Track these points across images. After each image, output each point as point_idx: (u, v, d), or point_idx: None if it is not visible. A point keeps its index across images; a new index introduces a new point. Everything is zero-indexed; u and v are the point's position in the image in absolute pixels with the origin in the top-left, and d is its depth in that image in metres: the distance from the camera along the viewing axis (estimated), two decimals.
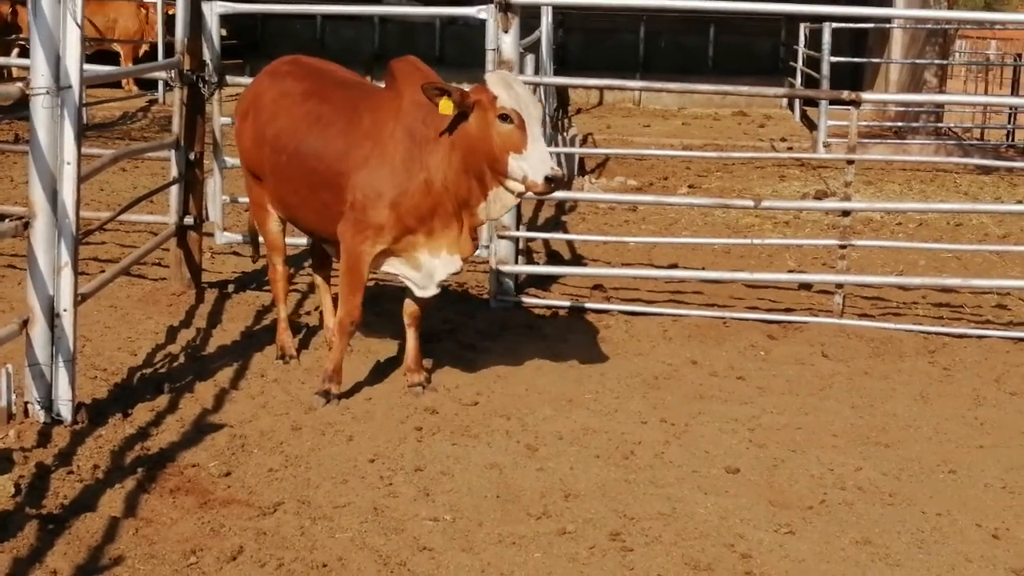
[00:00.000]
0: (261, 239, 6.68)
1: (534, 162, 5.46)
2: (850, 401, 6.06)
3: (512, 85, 5.60)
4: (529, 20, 11.95)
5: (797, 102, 19.38)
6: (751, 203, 7.97)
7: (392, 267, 5.92)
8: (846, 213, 7.40)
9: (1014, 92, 20.39)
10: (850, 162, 7.32)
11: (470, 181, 5.65)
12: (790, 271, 8.97)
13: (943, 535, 4.49)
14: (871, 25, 18.33)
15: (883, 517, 4.62)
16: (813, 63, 17.49)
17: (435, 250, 5.83)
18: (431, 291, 5.95)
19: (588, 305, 7.52)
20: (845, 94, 7.14)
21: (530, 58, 8.06)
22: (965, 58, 33.05)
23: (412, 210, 5.70)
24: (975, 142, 18.15)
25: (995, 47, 43.00)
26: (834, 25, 16.27)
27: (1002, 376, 6.52)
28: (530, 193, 5.62)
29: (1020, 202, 12.80)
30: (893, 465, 5.19)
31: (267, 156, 6.13)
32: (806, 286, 8.35)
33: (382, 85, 6.16)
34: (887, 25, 18.01)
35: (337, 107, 5.98)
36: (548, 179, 5.46)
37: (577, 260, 9.18)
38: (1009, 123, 19.12)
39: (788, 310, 7.90)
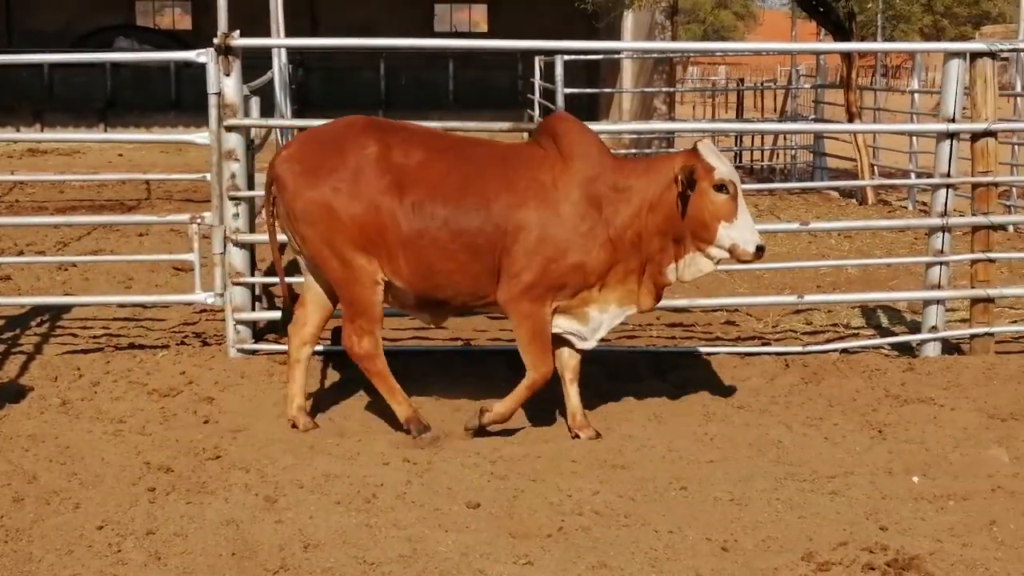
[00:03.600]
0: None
1: (745, 232, 5.68)
2: None
3: (719, 155, 5.74)
4: (266, 61, 11.84)
5: None
6: None
7: (556, 322, 5.90)
8: None
9: (739, 116, 21.45)
10: None
11: (666, 243, 5.78)
12: None
13: (675, 552, 4.61)
14: (602, 56, 18.94)
15: (618, 539, 4.71)
16: (550, 95, 17.93)
17: (605, 304, 5.91)
18: (591, 344, 6.03)
19: (330, 348, 7.44)
20: None
21: (255, 100, 7.93)
22: (697, 84, 34.50)
23: (595, 268, 5.75)
24: None
25: (724, 72, 45.23)
26: (566, 58, 16.72)
27: (728, 391, 6.77)
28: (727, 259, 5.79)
29: None
30: (629, 486, 5.30)
31: (399, 225, 5.71)
32: None
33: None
34: (617, 56, 18.66)
35: (481, 167, 5.81)
36: (758, 248, 5.68)
37: None
38: (736, 145, 20.08)
39: None
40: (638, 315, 6.42)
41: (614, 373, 7.10)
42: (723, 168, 5.69)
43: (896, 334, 8.09)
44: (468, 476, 5.43)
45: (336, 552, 4.60)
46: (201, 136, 7.29)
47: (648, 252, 5.81)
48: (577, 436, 6.03)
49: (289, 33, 13.01)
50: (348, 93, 22.55)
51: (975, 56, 7.19)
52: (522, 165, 5.81)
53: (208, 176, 7.28)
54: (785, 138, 19.20)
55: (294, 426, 6.14)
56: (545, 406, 6.49)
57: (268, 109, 11.65)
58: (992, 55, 7.13)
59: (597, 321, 5.95)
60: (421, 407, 6.45)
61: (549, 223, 5.70)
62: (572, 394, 6.10)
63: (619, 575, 4.42)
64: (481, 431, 5.92)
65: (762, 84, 24.93)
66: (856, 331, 8.38)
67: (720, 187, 5.67)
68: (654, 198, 5.74)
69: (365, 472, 5.47)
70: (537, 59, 19.11)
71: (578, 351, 6.09)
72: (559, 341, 6.06)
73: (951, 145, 7.33)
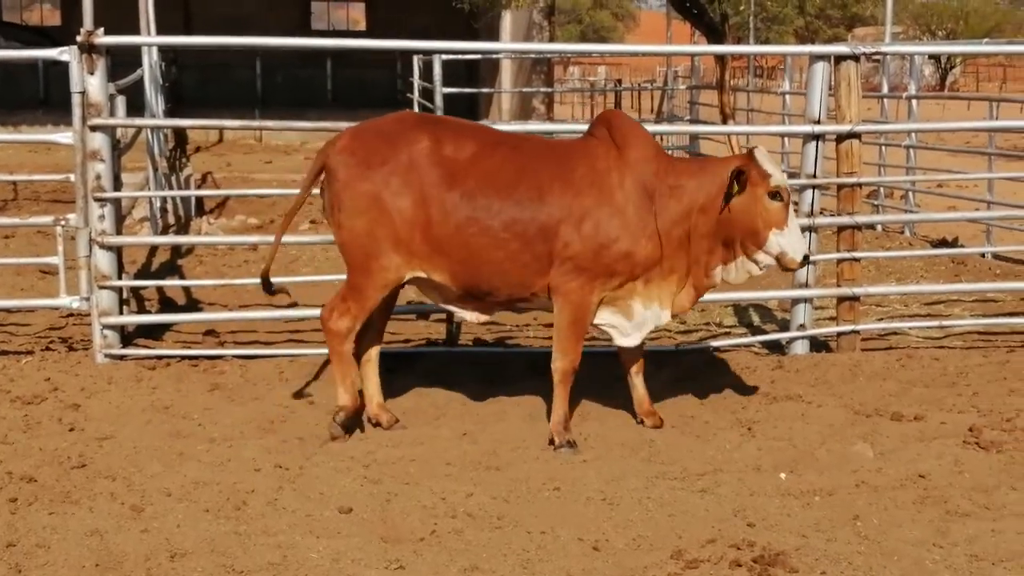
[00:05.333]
0: None
1: (794, 241, 5.79)
2: (463, 428, 6.17)
3: (774, 162, 5.81)
4: (139, 58, 11.59)
5: None
6: None
7: (600, 315, 5.95)
8: None
9: None
10: None
11: (715, 245, 5.84)
12: (408, 302, 9.06)
13: (547, 553, 4.62)
14: (480, 56, 18.95)
15: (491, 541, 4.71)
16: (429, 94, 17.85)
17: (648, 301, 5.94)
18: (635, 341, 6.06)
19: (201, 352, 7.32)
20: None
21: (121, 99, 7.75)
22: (578, 84, 34.75)
23: (642, 260, 5.79)
24: None
25: (604, 72, 45.69)
26: (444, 57, 16.66)
27: (605, 389, 6.82)
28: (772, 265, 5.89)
29: None
30: (503, 488, 5.30)
31: (447, 217, 5.76)
32: (424, 316, 8.48)
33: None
34: (496, 56, 18.68)
35: (536, 158, 5.88)
36: (805, 257, 5.85)
37: (192, 306, 8.92)
38: None
39: (407, 341, 8.00)
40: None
41: (490, 375, 7.10)
42: (778, 175, 5.76)
43: (766, 332, 8.24)
44: (341, 481, 5.38)
45: (203, 561, 4.51)
46: (64, 136, 7.11)
47: (695, 253, 5.88)
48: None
49: (161, 29, 12.77)
50: (224, 91, 22.22)
51: (839, 59, 7.36)
52: (577, 155, 5.89)
53: (73, 177, 7.10)
54: (662, 138, 19.43)
55: (377, 424, 6.16)
56: (423, 408, 6.46)
57: (139, 107, 11.43)
58: (855, 58, 7.30)
59: (641, 316, 5.99)
60: (295, 412, 6.42)
61: (603, 210, 5.77)
62: (637, 384, 6.29)
63: None
64: (571, 443, 5.86)
65: (639, 85, 25.20)
66: (728, 329, 8.52)
67: (774, 194, 5.75)
68: (706, 200, 5.79)
69: (235, 479, 5.38)
70: (416, 58, 19.04)
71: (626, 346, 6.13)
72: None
73: (816, 146, 7.49)
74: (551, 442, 5.87)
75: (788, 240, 5.80)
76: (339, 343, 6.00)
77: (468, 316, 6.15)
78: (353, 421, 6.03)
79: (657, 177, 5.82)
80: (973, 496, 5.21)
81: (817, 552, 4.59)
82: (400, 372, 7.15)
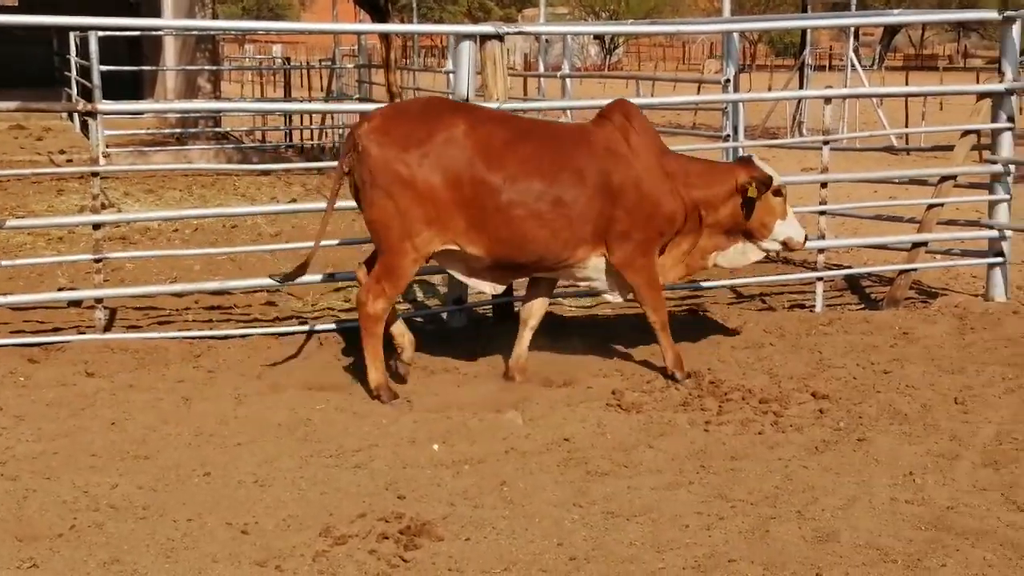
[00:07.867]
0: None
1: (797, 227, 6.83)
2: (111, 417, 5.95)
3: (767, 164, 6.76)
4: None
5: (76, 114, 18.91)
6: None
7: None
8: (97, 226, 7.26)
9: (287, 95, 21.37)
10: (95, 174, 7.18)
11: (718, 235, 6.74)
12: (60, 289, 8.66)
13: (193, 540, 4.52)
14: (140, 33, 18.29)
15: (134, 532, 4.56)
16: (87, 72, 17.06)
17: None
18: (619, 298, 6.79)
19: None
20: (81, 106, 7.00)
21: None
22: (253, 62, 34.09)
23: (679, 219, 6.56)
24: (255, 145, 18.75)
25: (280, 51, 45.01)
26: (101, 33, 15.94)
27: (263, 372, 6.74)
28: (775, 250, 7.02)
29: (293, 201, 13.42)
30: (150, 477, 5.15)
31: (488, 199, 6.15)
32: (76, 303, 8.11)
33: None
34: (158, 33, 18.07)
35: (566, 141, 6.43)
36: (806, 238, 6.90)
37: None
38: (285, 125, 19.99)
39: (56, 330, 7.63)
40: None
41: (143, 362, 6.89)
42: (778, 176, 6.69)
43: (429, 307, 8.36)
44: None
45: None
46: None
47: (698, 241, 6.71)
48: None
49: None
50: None
51: (484, 39, 7.50)
52: (601, 139, 6.45)
53: None
54: (332, 117, 19.32)
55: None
56: (70, 399, 6.19)
57: None
58: (500, 37, 7.46)
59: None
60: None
61: (641, 183, 6.41)
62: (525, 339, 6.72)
63: (132, 569, 4.28)
64: (688, 375, 6.55)
65: (308, 64, 25.01)
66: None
67: (777, 192, 6.70)
68: (714, 198, 6.62)
69: None
70: (72, 35, 18.19)
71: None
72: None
73: None
74: (673, 378, 6.54)
75: (793, 227, 6.81)
76: (375, 325, 6.25)
77: (486, 288, 6.58)
78: (391, 392, 6.30)
79: (669, 164, 6.56)
80: (613, 456, 5.48)
81: (463, 519, 4.71)
82: (45, 363, 6.83)
